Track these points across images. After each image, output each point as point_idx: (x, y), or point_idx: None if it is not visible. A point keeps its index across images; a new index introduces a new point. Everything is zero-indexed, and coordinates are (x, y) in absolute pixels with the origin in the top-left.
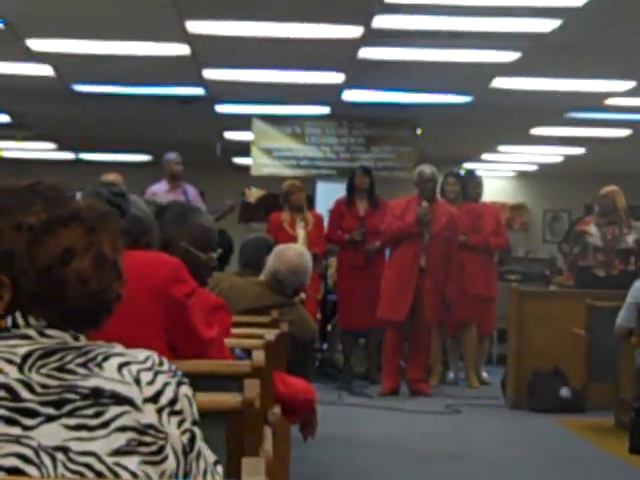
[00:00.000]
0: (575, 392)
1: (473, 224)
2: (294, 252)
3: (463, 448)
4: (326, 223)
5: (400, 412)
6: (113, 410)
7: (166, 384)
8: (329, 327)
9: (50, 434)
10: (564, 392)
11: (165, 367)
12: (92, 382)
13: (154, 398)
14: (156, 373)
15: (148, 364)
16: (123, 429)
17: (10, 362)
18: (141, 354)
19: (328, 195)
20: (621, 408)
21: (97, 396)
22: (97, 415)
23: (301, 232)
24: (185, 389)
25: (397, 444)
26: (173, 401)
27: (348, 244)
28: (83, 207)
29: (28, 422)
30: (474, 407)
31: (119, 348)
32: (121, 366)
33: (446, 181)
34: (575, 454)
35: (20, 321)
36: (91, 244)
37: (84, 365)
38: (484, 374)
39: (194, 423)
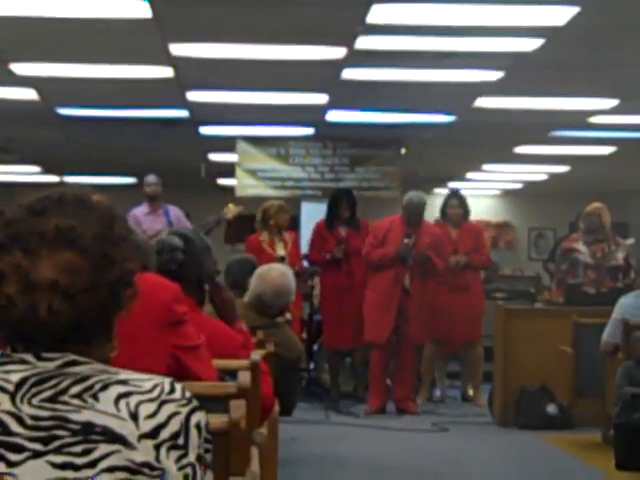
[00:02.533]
0: (562, 409)
1: (475, 244)
2: (277, 272)
3: (451, 466)
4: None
5: (387, 430)
6: (103, 448)
7: (172, 415)
8: (315, 347)
9: (34, 472)
10: (551, 409)
11: (177, 395)
12: (84, 416)
13: (153, 433)
14: (162, 403)
15: (154, 394)
16: (111, 470)
17: (3, 390)
18: (148, 382)
19: (312, 216)
20: (608, 424)
21: (87, 432)
22: (85, 453)
23: (282, 252)
24: (197, 418)
25: (384, 462)
26: (176, 434)
27: (330, 264)
28: (27, 229)
29: (13, 458)
30: (461, 425)
31: (124, 374)
32: (119, 398)
33: (449, 204)
34: (563, 471)
35: (18, 345)
36: (19, 268)
37: (79, 396)
38: (470, 391)
39: (199, 458)
